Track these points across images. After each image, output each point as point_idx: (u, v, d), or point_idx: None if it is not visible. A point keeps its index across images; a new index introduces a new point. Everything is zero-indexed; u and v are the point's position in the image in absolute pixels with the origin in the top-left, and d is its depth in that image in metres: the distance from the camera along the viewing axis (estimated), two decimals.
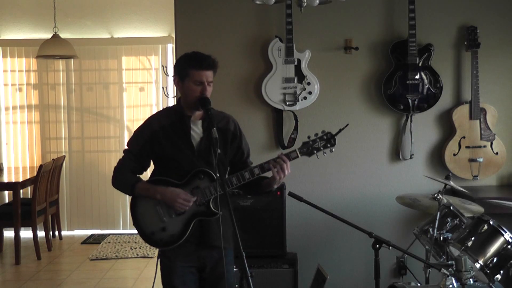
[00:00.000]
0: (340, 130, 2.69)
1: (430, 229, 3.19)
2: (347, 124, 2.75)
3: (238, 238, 2.30)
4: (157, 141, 2.69)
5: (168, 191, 2.64)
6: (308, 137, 2.69)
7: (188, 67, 2.63)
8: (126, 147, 2.81)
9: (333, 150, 2.69)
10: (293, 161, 4.19)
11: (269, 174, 2.69)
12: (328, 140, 2.67)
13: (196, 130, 2.71)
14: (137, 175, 2.80)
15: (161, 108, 6.69)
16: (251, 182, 2.67)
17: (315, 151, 2.67)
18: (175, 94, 4.19)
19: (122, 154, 2.83)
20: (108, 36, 6.96)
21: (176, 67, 2.71)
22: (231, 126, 2.79)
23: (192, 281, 2.76)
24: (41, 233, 6.10)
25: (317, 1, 3.29)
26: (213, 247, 2.70)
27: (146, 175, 2.84)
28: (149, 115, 2.87)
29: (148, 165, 2.83)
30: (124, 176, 2.76)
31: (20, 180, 5.95)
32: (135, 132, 2.81)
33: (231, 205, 2.40)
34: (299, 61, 4.08)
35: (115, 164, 2.81)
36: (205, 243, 2.71)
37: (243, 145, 2.84)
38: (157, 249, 2.82)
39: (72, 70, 7.00)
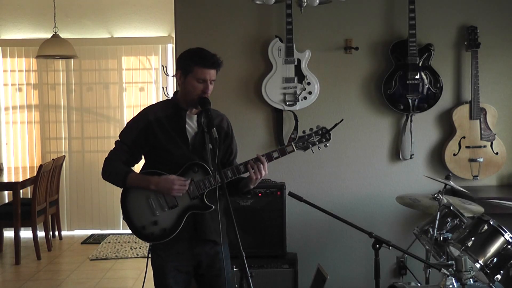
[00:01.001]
0: (335, 125, 2.69)
1: (430, 229, 3.19)
2: (342, 120, 2.76)
3: (238, 238, 2.29)
4: (151, 131, 2.67)
5: (162, 180, 2.61)
6: (304, 132, 2.70)
7: (192, 63, 2.61)
8: (118, 138, 2.77)
9: (328, 145, 2.69)
10: (294, 161, 4.23)
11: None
12: (323, 135, 2.68)
13: (192, 125, 2.70)
14: (129, 167, 2.75)
15: None
16: (230, 182, 2.66)
17: (310, 146, 2.67)
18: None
19: None
20: (108, 36, 6.96)
21: (180, 61, 2.68)
22: (224, 125, 2.79)
23: (185, 281, 2.74)
24: (41, 233, 6.09)
25: (317, 1, 3.30)
26: (206, 241, 2.69)
27: (137, 168, 2.81)
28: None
29: (140, 158, 2.79)
30: (115, 167, 2.71)
31: (20, 180, 5.94)
32: (128, 123, 2.78)
33: (230, 202, 2.39)
34: (299, 61, 4.09)
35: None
36: (198, 237, 2.69)
37: (233, 145, 2.84)
38: (148, 247, 2.79)
39: (72, 70, 7.00)
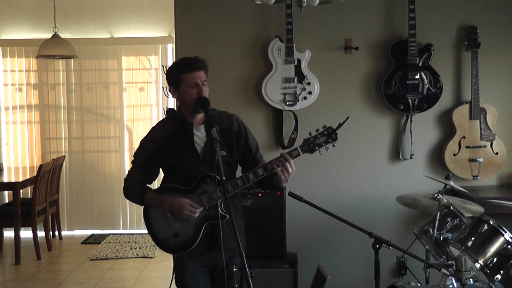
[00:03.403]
0: (340, 125, 2.65)
1: (430, 229, 3.19)
2: (348, 118, 2.72)
3: (238, 238, 2.30)
4: (161, 151, 2.72)
5: (174, 202, 2.67)
6: (309, 134, 2.67)
7: (179, 72, 2.66)
8: (133, 158, 2.85)
9: (335, 145, 2.66)
10: (294, 161, 4.18)
11: None
12: (329, 135, 2.64)
13: (199, 136, 2.72)
14: (146, 185, 2.83)
15: (160, 108, 6.71)
16: (263, 179, 2.66)
17: (317, 148, 2.65)
18: None
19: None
20: (108, 36, 6.96)
21: (169, 77, 2.74)
22: (234, 126, 2.78)
23: (204, 280, 2.79)
24: (41, 233, 6.10)
25: (317, 1, 3.30)
26: (225, 248, 2.70)
27: (159, 179, 2.87)
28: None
29: (157, 175, 2.86)
30: (133, 188, 2.81)
31: (20, 180, 5.94)
32: (140, 143, 2.84)
33: (232, 207, 2.41)
34: (299, 61, 4.08)
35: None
36: (217, 245, 2.69)
37: (250, 141, 2.82)
38: (161, 251, 2.85)
39: (72, 70, 7.00)
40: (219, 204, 2.65)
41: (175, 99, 2.77)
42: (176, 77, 2.67)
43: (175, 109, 3.09)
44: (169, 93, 2.77)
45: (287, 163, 2.61)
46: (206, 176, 2.67)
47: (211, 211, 2.67)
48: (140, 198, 2.78)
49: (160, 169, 2.85)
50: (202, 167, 2.68)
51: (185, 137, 2.70)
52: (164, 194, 2.73)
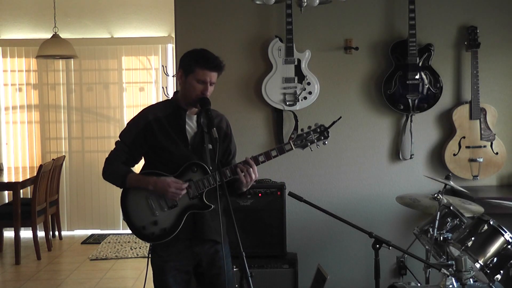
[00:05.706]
0: (333, 123, 2.69)
1: (430, 229, 3.19)
2: (340, 117, 2.76)
3: (238, 238, 2.30)
4: (151, 131, 2.68)
5: (159, 181, 2.61)
6: (302, 130, 2.70)
7: (194, 63, 2.62)
8: (118, 139, 2.78)
9: (326, 142, 2.69)
10: (294, 161, 4.23)
11: None
12: (321, 132, 2.68)
13: (191, 125, 2.71)
14: (129, 167, 2.76)
15: None
16: (226, 183, 2.63)
17: (308, 144, 2.68)
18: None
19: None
20: (108, 36, 6.96)
21: (183, 61, 2.69)
22: (223, 125, 2.80)
23: (185, 280, 2.74)
24: (41, 233, 6.09)
25: (317, 1, 3.30)
26: (205, 240, 2.70)
27: (137, 168, 2.81)
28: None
29: (140, 158, 2.79)
30: (115, 167, 2.73)
31: (20, 180, 5.94)
32: (128, 123, 2.79)
33: (230, 202, 2.40)
34: (299, 61, 4.09)
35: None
36: (197, 237, 2.69)
37: (232, 145, 2.85)
38: (149, 247, 2.80)
39: (72, 70, 7.00)
40: (204, 194, 2.63)
41: (178, 82, 2.73)
42: (189, 65, 2.63)
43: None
44: (176, 78, 2.72)
45: (251, 169, 2.61)
46: (194, 164, 2.65)
47: (195, 200, 2.64)
48: (122, 177, 2.67)
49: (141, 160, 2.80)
50: (189, 155, 2.66)
51: (176, 123, 2.68)
52: (148, 176, 2.68)
